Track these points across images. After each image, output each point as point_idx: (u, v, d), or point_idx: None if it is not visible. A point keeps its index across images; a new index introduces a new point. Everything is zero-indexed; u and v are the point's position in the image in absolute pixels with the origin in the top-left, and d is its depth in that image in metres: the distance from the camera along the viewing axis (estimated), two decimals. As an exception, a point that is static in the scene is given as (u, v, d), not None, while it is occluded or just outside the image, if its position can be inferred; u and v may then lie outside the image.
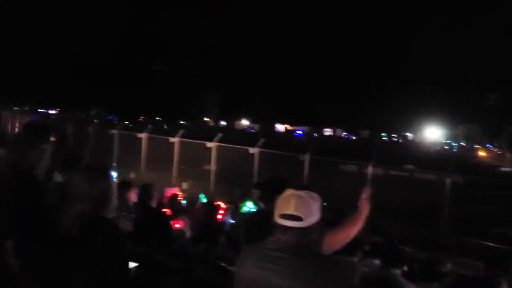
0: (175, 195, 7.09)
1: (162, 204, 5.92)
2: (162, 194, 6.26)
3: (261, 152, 19.50)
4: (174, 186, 7.27)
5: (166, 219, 4.93)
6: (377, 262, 4.12)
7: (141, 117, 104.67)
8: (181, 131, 22.36)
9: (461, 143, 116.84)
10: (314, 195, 2.15)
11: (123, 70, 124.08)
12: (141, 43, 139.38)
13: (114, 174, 2.44)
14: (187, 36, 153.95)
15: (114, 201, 2.55)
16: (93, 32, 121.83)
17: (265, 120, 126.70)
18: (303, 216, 2.05)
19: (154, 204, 5.11)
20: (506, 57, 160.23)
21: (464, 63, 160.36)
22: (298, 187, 2.20)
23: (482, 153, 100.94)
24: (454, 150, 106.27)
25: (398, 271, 3.34)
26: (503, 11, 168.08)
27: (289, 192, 2.13)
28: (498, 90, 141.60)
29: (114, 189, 2.56)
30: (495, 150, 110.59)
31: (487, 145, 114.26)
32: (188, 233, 5.35)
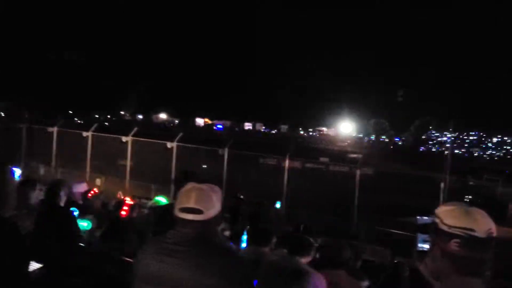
0: (86, 192, 6.82)
1: (72, 201, 5.67)
2: (72, 191, 6.00)
3: (179, 146, 19.28)
4: (87, 182, 6.96)
5: (72, 217, 4.77)
6: (286, 251, 4.26)
7: (52, 111, 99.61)
8: (95, 125, 21.55)
9: (371, 137, 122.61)
10: (215, 188, 2.17)
11: (32, 60, 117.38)
12: (52, 32, 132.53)
13: (17, 171, 2.26)
14: (102, 24, 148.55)
15: (13, 198, 2.42)
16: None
17: (184, 114, 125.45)
18: (203, 209, 2.06)
19: (62, 202, 4.89)
20: (415, 54, 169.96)
21: (374, 60, 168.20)
22: (199, 181, 2.22)
23: (390, 146, 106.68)
24: (365, 143, 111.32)
25: (303, 259, 3.46)
26: (417, 10, 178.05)
27: (190, 185, 2.14)
28: (406, 86, 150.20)
29: (13, 187, 2.41)
30: (402, 143, 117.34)
31: (395, 139, 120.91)
32: (97, 231, 5.21)
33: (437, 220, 1.62)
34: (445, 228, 1.59)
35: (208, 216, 2.09)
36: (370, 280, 4.39)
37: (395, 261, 4.49)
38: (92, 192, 7.36)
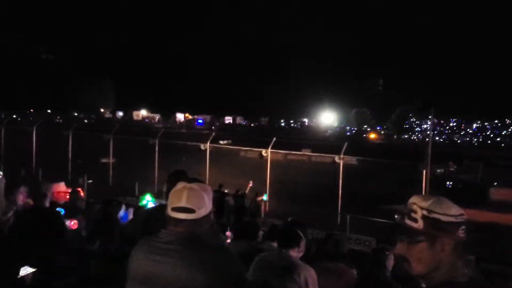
0: (75, 192, 6.74)
1: (54, 202, 5.60)
2: (53, 192, 5.91)
3: (161, 142, 19.21)
4: (68, 181, 6.79)
5: (59, 217, 4.73)
6: (275, 244, 4.28)
7: (31, 110, 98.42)
8: (75, 124, 21.36)
9: (353, 127, 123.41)
10: (206, 187, 2.19)
11: (6, 60, 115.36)
12: (22, 30, 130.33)
13: None
14: (76, 19, 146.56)
15: (1, 202, 2.36)
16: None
17: (165, 110, 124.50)
18: (195, 208, 2.09)
19: (47, 203, 4.83)
20: (393, 43, 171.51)
21: (354, 49, 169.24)
22: (189, 180, 2.23)
23: (372, 135, 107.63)
24: (347, 133, 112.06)
25: (292, 252, 3.48)
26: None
27: (181, 185, 2.16)
28: (385, 75, 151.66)
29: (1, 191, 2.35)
30: (384, 132, 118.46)
31: (377, 128, 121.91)
32: (84, 231, 5.18)
33: (436, 216, 1.65)
34: (452, 219, 1.63)
35: (200, 215, 2.12)
36: (357, 269, 4.46)
37: (377, 248, 4.53)
38: (80, 193, 7.28)
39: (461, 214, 1.63)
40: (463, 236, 1.62)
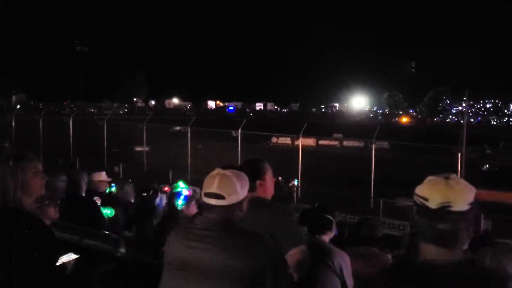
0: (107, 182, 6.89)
1: (93, 190, 5.75)
2: (92, 180, 6.08)
3: (193, 130, 19.39)
4: (104, 170, 6.97)
5: (96, 206, 4.86)
6: (305, 229, 4.30)
7: (67, 100, 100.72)
8: (109, 113, 21.79)
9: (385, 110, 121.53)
10: (241, 174, 2.20)
11: (42, 53, 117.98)
12: (57, 22, 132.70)
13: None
14: (105, 9, 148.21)
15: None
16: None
17: (196, 98, 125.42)
18: (225, 195, 2.10)
19: (83, 192, 4.98)
20: (425, 24, 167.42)
21: (385, 32, 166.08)
22: (225, 166, 2.25)
23: (404, 119, 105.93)
24: (379, 117, 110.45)
25: (324, 237, 3.49)
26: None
27: (215, 171, 2.19)
28: (418, 57, 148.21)
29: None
30: (417, 115, 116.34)
31: (410, 111, 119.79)
32: (121, 218, 5.31)
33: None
34: (414, 197, 1.63)
35: (231, 202, 2.13)
36: (391, 254, 4.46)
37: (411, 232, 4.49)
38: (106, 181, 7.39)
39: (421, 197, 1.59)
40: (414, 216, 1.60)
